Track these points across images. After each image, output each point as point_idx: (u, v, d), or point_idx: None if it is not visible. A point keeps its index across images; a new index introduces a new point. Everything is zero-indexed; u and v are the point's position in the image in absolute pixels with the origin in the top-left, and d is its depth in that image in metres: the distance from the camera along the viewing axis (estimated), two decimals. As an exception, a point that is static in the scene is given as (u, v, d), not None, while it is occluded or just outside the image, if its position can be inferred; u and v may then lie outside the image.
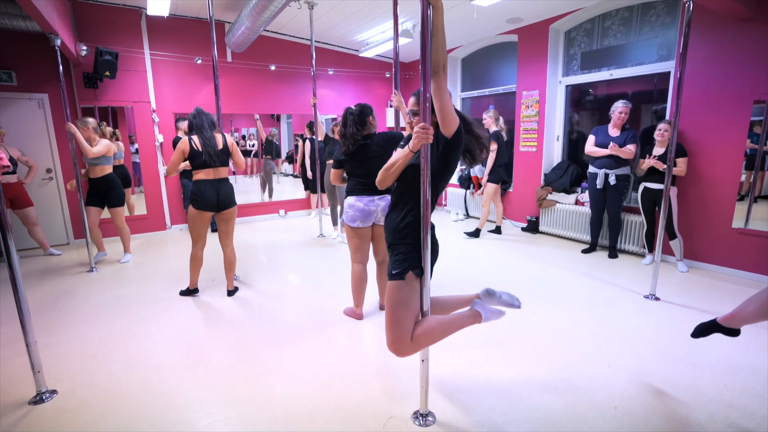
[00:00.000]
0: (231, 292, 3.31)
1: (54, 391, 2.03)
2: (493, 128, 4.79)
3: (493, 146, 4.74)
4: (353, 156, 2.62)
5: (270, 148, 6.87)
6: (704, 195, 3.65)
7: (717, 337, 2.44)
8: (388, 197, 2.72)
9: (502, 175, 4.99)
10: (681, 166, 3.57)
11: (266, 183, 6.62)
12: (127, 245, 4.31)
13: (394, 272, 1.65)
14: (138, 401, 1.97)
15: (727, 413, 1.82)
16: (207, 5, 3.27)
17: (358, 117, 2.58)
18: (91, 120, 3.87)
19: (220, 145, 3.10)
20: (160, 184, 5.44)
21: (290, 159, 8.50)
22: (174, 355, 2.39)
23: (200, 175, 3.03)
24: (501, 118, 4.89)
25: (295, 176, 8.65)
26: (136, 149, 5.34)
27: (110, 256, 4.41)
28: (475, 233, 4.98)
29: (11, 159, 4.04)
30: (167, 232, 5.54)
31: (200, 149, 2.99)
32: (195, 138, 3.00)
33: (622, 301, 3.06)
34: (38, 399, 1.97)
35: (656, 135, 3.66)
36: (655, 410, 1.85)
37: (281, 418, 1.83)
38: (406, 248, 1.66)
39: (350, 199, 2.65)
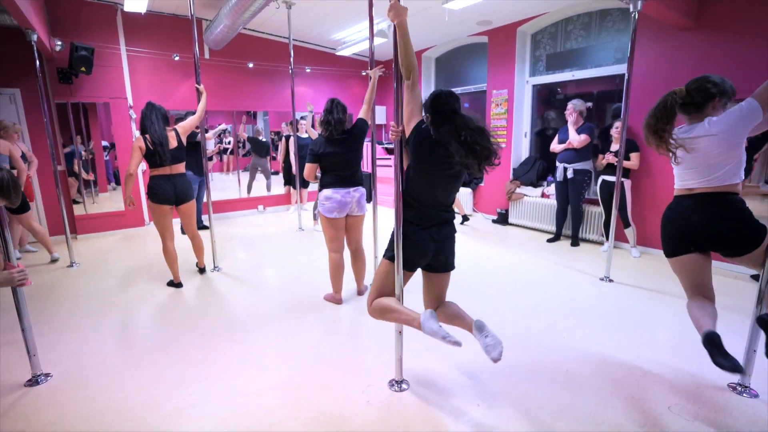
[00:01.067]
0: (202, 270, 3.62)
1: (48, 374, 2.13)
2: None
3: None
4: (334, 144, 2.75)
5: (259, 147, 6.83)
6: (655, 186, 4.00)
7: (661, 314, 2.75)
8: (363, 189, 2.92)
9: None
10: (634, 160, 3.90)
11: (250, 180, 6.64)
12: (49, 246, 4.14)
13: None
14: (130, 382, 2.10)
15: (659, 370, 2.11)
16: (188, 2, 3.36)
17: (343, 107, 2.78)
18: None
19: (174, 143, 3.16)
20: (138, 180, 5.45)
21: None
22: (157, 342, 2.52)
23: (156, 171, 3.13)
24: None
25: (274, 173, 8.73)
26: (106, 146, 5.36)
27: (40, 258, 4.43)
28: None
29: (22, 155, 3.96)
30: (146, 228, 5.55)
31: (152, 147, 3.03)
32: (148, 135, 3.05)
33: (580, 284, 3.36)
34: (34, 381, 2.07)
35: (613, 132, 3.99)
36: (599, 371, 2.12)
37: (269, 389, 2.00)
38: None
39: (327, 192, 2.81)
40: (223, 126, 6.01)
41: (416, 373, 2.11)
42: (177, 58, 5.41)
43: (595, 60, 4.55)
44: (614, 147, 4.00)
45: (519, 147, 5.47)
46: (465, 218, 5.46)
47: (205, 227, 5.54)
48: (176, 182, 3.19)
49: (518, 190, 5.28)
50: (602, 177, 4.10)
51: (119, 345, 2.47)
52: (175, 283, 3.40)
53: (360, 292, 3.17)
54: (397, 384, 2.01)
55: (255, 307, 2.97)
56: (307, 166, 2.80)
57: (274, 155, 7.51)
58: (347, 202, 2.83)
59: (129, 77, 5.21)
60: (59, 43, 4.48)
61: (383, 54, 6.86)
